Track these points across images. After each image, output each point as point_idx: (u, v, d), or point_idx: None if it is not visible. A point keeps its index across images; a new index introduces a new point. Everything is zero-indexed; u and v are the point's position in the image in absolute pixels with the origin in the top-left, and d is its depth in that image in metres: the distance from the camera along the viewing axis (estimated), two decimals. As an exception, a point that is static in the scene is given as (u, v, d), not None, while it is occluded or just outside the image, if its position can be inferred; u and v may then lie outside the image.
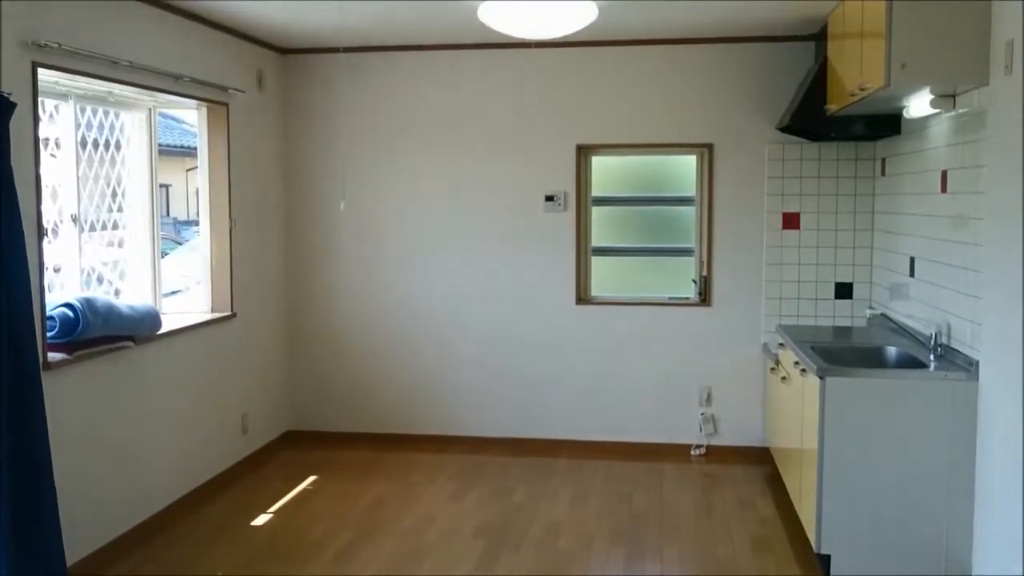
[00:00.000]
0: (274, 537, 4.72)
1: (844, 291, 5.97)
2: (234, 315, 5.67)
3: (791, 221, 6.00)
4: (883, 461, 4.04)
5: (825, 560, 4.13)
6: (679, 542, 4.63)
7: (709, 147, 6.05)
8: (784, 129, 5.73)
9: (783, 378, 5.13)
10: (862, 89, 4.27)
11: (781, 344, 5.26)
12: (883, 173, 5.66)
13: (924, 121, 4.74)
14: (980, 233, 3.93)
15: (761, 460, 6.01)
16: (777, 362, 5.43)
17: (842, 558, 4.09)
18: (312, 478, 5.67)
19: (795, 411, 4.75)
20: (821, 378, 4.05)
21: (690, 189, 6.20)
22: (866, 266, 5.93)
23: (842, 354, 4.64)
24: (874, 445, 4.04)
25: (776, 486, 5.48)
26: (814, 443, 4.18)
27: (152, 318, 4.68)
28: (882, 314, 4.54)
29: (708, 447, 6.18)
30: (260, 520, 4.96)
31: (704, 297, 6.15)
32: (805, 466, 4.43)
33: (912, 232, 4.99)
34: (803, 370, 4.44)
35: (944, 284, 4.39)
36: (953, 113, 4.29)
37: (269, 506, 5.17)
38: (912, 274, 4.95)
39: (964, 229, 4.14)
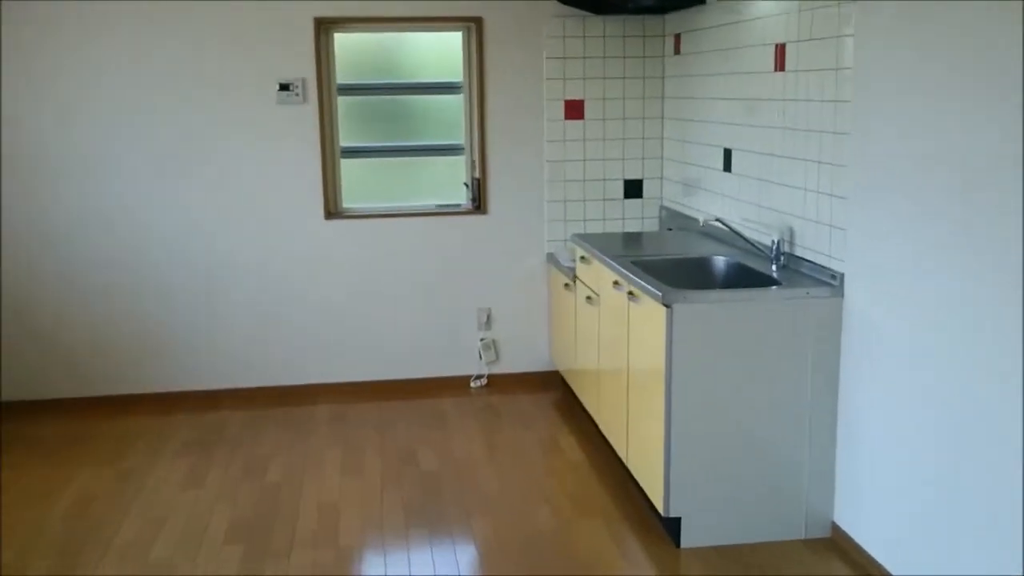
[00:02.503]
0: (-69, 578, 3.33)
1: (634, 189, 5.26)
2: None
3: (575, 110, 5.14)
4: (739, 403, 3.34)
5: (674, 524, 3.42)
6: (489, 511, 3.75)
7: (477, 21, 4.99)
8: (566, 0, 4.81)
9: (588, 298, 4.33)
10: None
11: (583, 257, 4.44)
12: (677, 52, 4.91)
13: (744, -14, 3.99)
14: (844, 119, 3.24)
15: (546, 386, 5.28)
16: (575, 278, 4.62)
17: (694, 521, 3.39)
18: (-14, 474, 4.22)
19: (612, 337, 3.97)
20: (667, 306, 3.25)
21: (456, 74, 5.15)
22: (656, 159, 5.23)
23: (667, 269, 3.89)
24: (729, 384, 3.32)
25: (572, 418, 4.75)
26: (646, 376, 3.41)
27: None
28: (717, 219, 3.82)
29: (489, 376, 5.34)
30: (-93, 553, 3.51)
31: (478, 203, 5.19)
32: (635, 403, 3.67)
33: (725, 120, 4.28)
34: (631, 293, 3.63)
35: (780, 180, 3.71)
36: (794, -27, 3.54)
37: (-78, 527, 3.71)
38: (728, 168, 4.27)
39: (813, 114, 3.43)
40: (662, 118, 5.17)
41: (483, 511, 3.76)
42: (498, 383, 5.32)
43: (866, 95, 3.10)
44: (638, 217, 5.28)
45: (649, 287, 3.36)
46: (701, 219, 3.87)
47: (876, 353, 3.14)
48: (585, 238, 4.51)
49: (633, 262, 3.85)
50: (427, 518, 3.71)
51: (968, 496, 2.70)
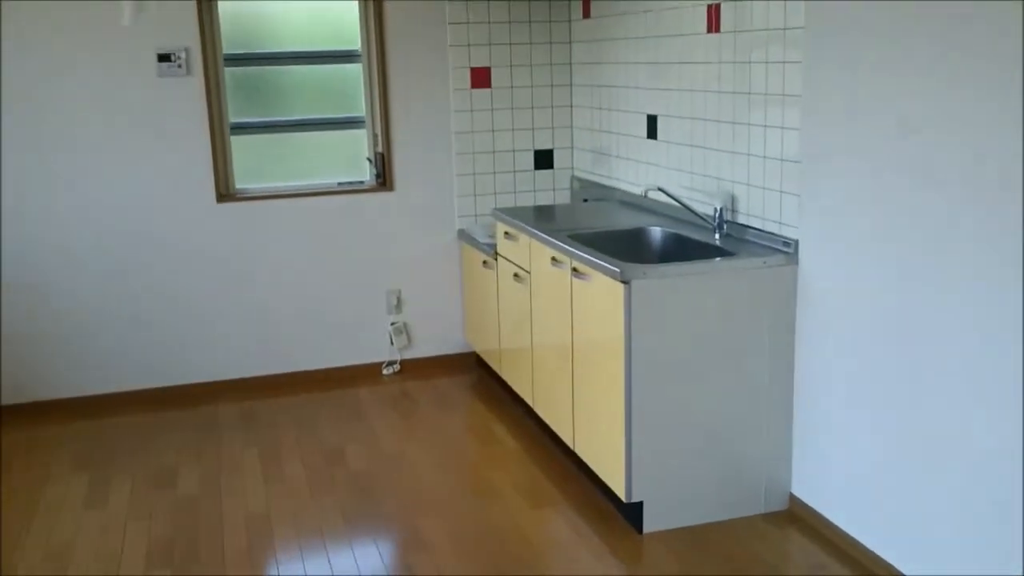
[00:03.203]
0: None
1: (544, 160, 5.07)
2: None
3: (481, 78, 4.89)
4: (698, 379, 3.21)
5: (634, 509, 3.28)
6: (434, 510, 3.51)
7: (375, -15, 4.68)
8: (470, -40, 4.56)
9: (515, 275, 4.12)
10: None
11: (507, 233, 4.22)
12: (586, 15, 4.73)
13: (668, -55, 3.83)
14: (794, 81, 3.13)
15: (461, 368, 5.06)
16: (496, 255, 4.40)
17: (655, 505, 3.26)
18: None
19: (550, 316, 3.78)
20: (626, 283, 3.08)
21: (354, 42, 4.81)
22: (566, 128, 5.06)
23: (606, 243, 3.69)
24: (688, 362, 3.19)
25: (495, 402, 4.56)
26: (598, 358, 3.24)
27: None
28: (659, 188, 3.66)
29: (402, 362, 5.07)
30: None
31: (383, 179, 4.89)
32: (583, 387, 3.50)
33: (647, 85, 4.14)
34: (575, 270, 3.44)
35: (719, 146, 3.60)
36: (729, -71, 3.40)
37: None
38: (653, 135, 4.13)
39: (757, 77, 3.32)
40: (571, 85, 4.99)
41: (428, 510, 3.51)
42: (411, 368, 5.06)
43: (820, 55, 3.00)
44: (549, 189, 5.10)
45: (604, 264, 3.17)
46: (643, 190, 3.71)
47: (832, 321, 3.07)
48: (508, 212, 4.29)
49: (571, 236, 3.66)
50: (370, 523, 3.44)
51: (924, 455, 2.65)
